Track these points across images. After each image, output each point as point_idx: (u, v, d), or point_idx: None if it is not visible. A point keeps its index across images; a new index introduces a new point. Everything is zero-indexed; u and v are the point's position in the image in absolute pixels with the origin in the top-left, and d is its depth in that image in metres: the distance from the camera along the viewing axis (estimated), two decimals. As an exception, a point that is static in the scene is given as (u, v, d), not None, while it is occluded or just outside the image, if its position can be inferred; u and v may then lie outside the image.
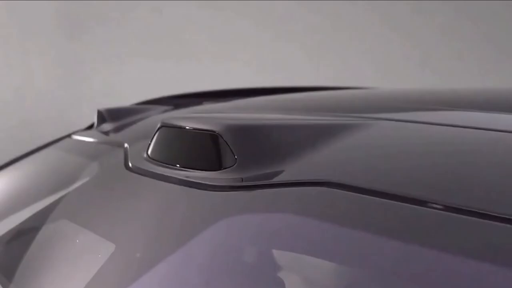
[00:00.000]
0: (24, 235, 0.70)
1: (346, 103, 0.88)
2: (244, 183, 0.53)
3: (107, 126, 0.93)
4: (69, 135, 1.00)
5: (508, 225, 0.37)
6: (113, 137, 0.85)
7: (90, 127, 1.05)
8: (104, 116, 0.95)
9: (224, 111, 0.91)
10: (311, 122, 0.61)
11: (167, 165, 0.60)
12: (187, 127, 0.60)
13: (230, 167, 0.54)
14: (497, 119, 0.65)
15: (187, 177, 0.57)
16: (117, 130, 0.89)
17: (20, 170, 0.93)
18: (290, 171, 0.52)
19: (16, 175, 0.91)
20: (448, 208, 0.41)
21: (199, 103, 1.08)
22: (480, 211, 0.39)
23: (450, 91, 0.90)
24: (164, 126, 0.63)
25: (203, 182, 0.55)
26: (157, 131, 0.64)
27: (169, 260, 0.51)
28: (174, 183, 0.57)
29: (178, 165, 0.59)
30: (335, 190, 0.47)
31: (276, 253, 0.47)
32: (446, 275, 0.37)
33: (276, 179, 0.52)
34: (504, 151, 0.52)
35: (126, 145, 0.74)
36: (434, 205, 0.42)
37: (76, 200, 0.69)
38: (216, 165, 0.55)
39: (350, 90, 1.16)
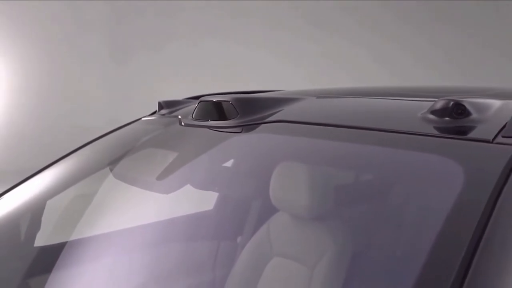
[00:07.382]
0: (126, 162, 1.26)
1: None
2: (242, 125, 1.06)
3: (165, 111, 1.47)
4: (139, 119, 1.54)
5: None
6: (170, 115, 1.39)
7: (152, 114, 1.59)
8: (162, 105, 1.50)
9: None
10: (274, 96, 1.14)
11: (203, 120, 1.14)
12: (214, 100, 1.13)
13: (234, 118, 1.07)
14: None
15: (213, 125, 1.10)
16: (172, 112, 1.43)
17: (110, 140, 1.48)
18: (264, 118, 1.05)
19: (110, 142, 1.46)
20: (343, 126, 0.92)
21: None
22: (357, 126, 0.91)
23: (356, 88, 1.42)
24: (202, 101, 1.17)
25: (221, 125, 1.08)
26: (197, 104, 1.18)
27: (205, 162, 1.05)
28: (207, 128, 1.11)
29: (209, 120, 1.12)
30: (284, 123, 1.00)
31: (261, 154, 1.01)
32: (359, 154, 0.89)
33: (258, 122, 1.05)
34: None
35: (179, 116, 1.28)
36: (332, 125, 0.94)
37: (156, 144, 1.24)
38: (228, 117, 1.08)
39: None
